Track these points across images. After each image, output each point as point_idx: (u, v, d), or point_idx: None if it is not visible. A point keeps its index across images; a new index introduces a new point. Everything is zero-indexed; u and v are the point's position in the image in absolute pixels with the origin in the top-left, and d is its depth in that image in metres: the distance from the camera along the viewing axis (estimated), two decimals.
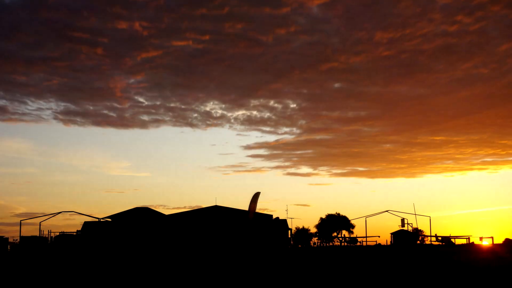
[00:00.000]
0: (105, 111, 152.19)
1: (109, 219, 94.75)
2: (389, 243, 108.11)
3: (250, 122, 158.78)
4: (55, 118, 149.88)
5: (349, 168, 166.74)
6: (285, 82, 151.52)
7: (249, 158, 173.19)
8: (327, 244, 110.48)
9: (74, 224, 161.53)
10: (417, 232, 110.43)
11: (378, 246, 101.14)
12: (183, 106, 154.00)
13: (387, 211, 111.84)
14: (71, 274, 30.33)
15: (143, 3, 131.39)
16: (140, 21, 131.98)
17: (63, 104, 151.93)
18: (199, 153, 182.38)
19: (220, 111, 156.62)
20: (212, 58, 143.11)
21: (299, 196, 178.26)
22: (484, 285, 21.99)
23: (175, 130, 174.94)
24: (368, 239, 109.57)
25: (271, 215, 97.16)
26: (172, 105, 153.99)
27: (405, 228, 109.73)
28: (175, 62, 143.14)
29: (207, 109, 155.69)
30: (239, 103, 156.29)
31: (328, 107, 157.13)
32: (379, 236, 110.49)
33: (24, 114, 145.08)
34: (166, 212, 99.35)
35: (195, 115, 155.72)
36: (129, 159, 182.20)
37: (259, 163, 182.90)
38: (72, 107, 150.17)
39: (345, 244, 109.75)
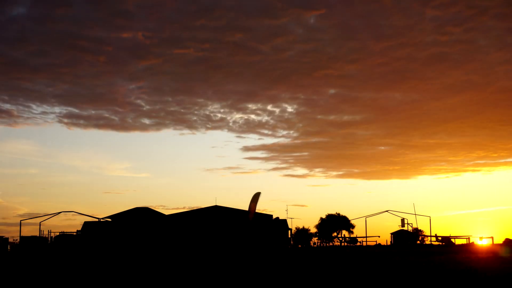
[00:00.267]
0: (107, 115, 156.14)
1: (109, 219, 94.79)
2: (389, 243, 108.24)
3: (249, 125, 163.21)
4: (59, 121, 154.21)
5: (344, 169, 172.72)
6: (282, 87, 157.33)
7: (248, 160, 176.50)
8: (327, 244, 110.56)
9: (74, 224, 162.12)
10: (417, 232, 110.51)
11: (378, 246, 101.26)
12: (183, 110, 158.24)
13: (387, 211, 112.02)
14: (71, 274, 30.36)
15: (146, 14, 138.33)
16: (143, 31, 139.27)
17: (66, 108, 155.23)
18: (199, 154, 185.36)
19: (219, 115, 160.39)
20: (211, 65, 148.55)
21: (296, 196, 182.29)
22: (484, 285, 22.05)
23: (175, 133, 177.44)
24: (368, 239, 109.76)
25: (271, 215, 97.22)
26: (172, 109, 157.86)
27: (405, 228, 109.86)
28: (176, 69, 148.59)
29: (207, 112, 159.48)
30: (238, 107, 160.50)
31: (324, 112, 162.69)
32: (379, 236, 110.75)
33: (29, 118, 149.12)
34: (166, 212, 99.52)
35: (195, 118, 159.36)
36: (129, 160, 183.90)
37: (257, 164, 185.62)
38: (75, 111, 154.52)
39: (345, 244, 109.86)
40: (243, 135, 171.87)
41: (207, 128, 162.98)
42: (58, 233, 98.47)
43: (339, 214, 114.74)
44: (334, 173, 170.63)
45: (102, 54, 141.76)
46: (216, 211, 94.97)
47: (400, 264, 35.22)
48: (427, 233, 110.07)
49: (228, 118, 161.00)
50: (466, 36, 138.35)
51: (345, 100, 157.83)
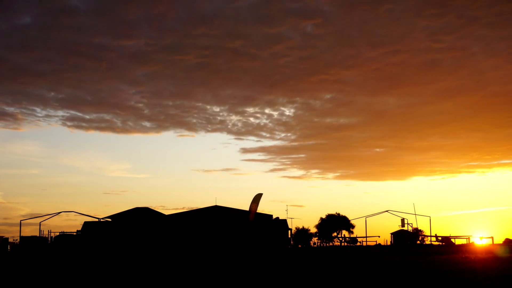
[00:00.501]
0: (108, 118, 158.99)
1: (109, 219, 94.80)
2: (389, 243, 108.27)
3: (247, 128, 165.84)
4: (63, 124, 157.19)
5: (341, 171, 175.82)
6: (280, 92, 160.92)
7: (246, 161, 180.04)
8: (327, 244, 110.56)
9: (74, 224, 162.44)
10: (417, 232, 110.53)
11: (378, 246, 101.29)
12: (182, 114, 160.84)
13: (387, 211, 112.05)
14: (71, 274, 30.36)
15: (148, 24, 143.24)
16: (145, 39, 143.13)
17: (69, 111, 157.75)
18: (198, 156, 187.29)
19: (218, 118, 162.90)
20: (211, 70, 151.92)
21: (294, 196, 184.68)
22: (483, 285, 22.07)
23: (175, 135, 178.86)
24: (368, 239, 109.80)
25: (271, 215, 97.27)
26: (172, 112, 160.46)
27: (405, 228, 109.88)
28: (176, 74, 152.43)
29: (206, 115, 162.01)
30: (237, 111, 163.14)
31: (321, 115, 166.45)
32: (379, 236, 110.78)
33: (32, 121, 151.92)
34: (165, 213, 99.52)
35: (194, 121, 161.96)
36: (129, 161, 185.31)
37: (256, 166, 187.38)
38: (77, 114, 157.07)
39: (345, 244, 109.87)
40: (241, 137, 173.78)
41: (207, 131, 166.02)
42: (58, 233, 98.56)
43: (339, 214, 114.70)
44: (331, 174, 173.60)
45: (104, 60, 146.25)
46: (216, 211, 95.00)
47: (400, 264, 35.25)
48: (427, 233, 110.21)
49: (227, 121, 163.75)
50: (458, 43, 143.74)
51: (341, 104, 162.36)
